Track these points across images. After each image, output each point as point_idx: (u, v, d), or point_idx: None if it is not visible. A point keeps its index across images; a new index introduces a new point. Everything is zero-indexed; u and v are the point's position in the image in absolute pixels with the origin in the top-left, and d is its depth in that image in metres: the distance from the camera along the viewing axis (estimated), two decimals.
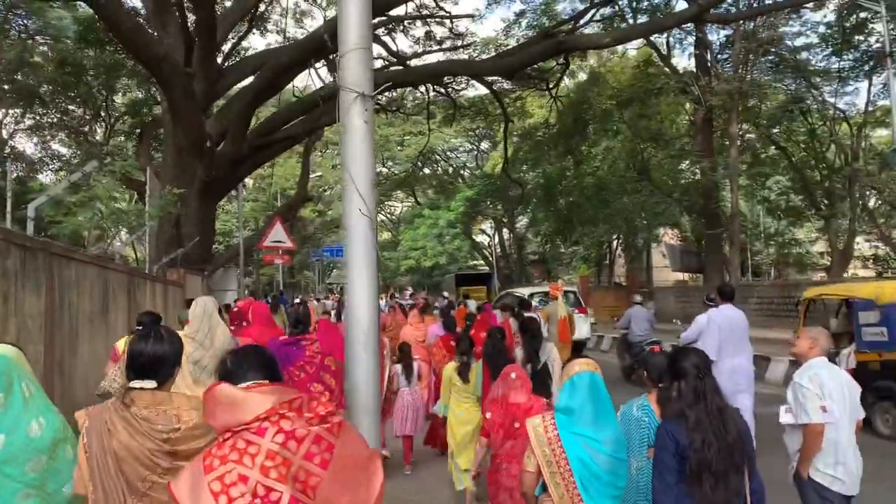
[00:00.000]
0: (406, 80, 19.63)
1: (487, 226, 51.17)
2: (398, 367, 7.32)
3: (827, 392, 3.95)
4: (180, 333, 4.06)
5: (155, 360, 2.53)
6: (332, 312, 15.95)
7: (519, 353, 6.18)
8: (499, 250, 48.82)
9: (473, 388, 5.80)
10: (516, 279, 46.18)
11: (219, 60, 17.05)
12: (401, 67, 20.29)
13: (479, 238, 52.66)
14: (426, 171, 47.14)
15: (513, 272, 48.31)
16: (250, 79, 16.88)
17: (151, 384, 2.49)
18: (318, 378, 5.39)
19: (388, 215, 65.52)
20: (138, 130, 21.29)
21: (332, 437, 2.04)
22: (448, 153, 49.79)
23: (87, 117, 22.60)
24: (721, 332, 6.82)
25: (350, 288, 3.53)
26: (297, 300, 21.15)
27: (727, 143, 24.34)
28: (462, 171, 50.22)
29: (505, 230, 50.44)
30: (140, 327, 5.24)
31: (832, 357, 8.28)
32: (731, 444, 2.91)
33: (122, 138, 23.69)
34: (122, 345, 5.30)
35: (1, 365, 2.60)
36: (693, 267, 26.11)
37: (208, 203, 15.91)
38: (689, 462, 2.89)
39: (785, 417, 4.10)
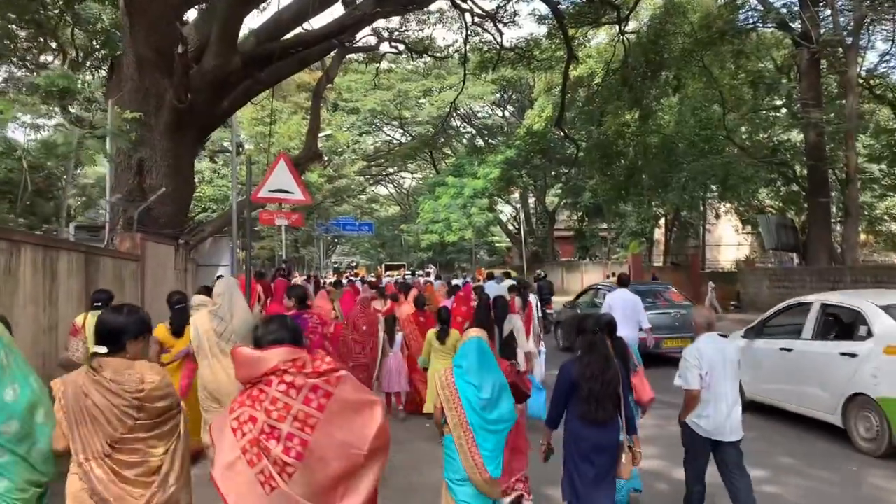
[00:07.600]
0: None
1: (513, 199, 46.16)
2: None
3: None
4: (205, 310, 5.33)
5: (113, 330, 2.84)
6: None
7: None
8: (526, 226, 43.96)
9: (450, 348, 7.20)
10: (546, 258, 41.54)
11: None
12: None
13: (501, 211, 47.78)
14: (449, 133, 42.12)
15: (540, 250, 43.65)
16: None
17: (103, 350, 2.79)
18: (322, 345, 5.92)
19: (398, 188, 60.52)
20: (109, 64, 16.49)
21: (329, 386, 2.57)
22: (471, 117, 44.79)
23: (37, 47, 17.82)
24: (614, 311, 8.60)
25: None
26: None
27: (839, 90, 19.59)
28: (486, 135, 45.16)
29: (532, 202, 45.69)
30: (98, 304, 5.71)
31: None
32: (609, 381, 4.04)
33: (88, 76, 18.78)
34: (80, 320, 5.71)
35: None
36: (790, 245, 21.41)
37: (183, 142, 11.16)
38: (581, 390, 4.05)
39: None
